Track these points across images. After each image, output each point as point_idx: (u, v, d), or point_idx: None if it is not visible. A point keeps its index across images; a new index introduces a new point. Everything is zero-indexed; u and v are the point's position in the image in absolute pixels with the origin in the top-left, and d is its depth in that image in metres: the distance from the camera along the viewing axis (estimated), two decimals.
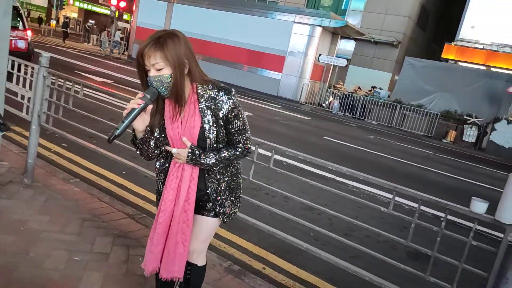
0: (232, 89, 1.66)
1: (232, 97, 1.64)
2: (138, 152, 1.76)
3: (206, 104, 1.63)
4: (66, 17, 33.28)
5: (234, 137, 1.68)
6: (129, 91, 10.35)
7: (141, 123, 1.60)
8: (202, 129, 1.64)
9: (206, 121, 1.64)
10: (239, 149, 1.71)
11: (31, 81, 3.43)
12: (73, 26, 38.99)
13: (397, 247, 3.63)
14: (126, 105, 1.55)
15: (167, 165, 1.79)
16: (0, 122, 1.14)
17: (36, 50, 9.60)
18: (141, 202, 3.83)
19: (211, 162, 1.65)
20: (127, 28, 30.20)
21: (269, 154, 2.39)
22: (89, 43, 29.58)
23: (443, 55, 19.52)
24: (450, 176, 8.21)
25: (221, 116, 1.63)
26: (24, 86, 3.55)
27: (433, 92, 15.80)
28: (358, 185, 5.27)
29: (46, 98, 3.30)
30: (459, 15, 20.97)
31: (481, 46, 18.69)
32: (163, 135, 1.71)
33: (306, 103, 17.12)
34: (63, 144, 4.90)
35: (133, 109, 1.51)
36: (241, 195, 1.90)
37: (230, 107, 1.63)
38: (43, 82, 3.23)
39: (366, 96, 16.56)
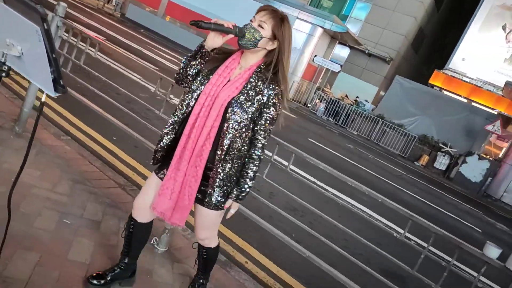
0: (282, 90, 1.72)
1: (278, 105, 1.72)
2: (182, 66, 1.78)
3: (256, 84, 1.70)
4: None
5: (262, 127, 1.72)
6: (122, 53, 10.03)
7: (215, 38, 1.68)
8: (238, 98, 1.68)
9: (246, 94, 1.69)
10: (262, 149, 1.76)
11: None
12: None
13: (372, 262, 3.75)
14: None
15: (185, 115, 1.77)
16: (60, 83, 1.08)
17: None
18: (131, 173, 3.75)
19: (251, 183, 1.77)
20: None
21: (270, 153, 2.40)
22: None
23: (431, 81, 20.06)
24: (420, 200, 8.52)
25: (260, 101, 1.69)
26: None
27: (416, 115, 16.24)
28: (335, 192, 5.38)
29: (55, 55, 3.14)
30: (453, 44, 21.58)
31: (468, 80, 19.35)
32: (201, 82, 1.74)
33: (293, 100, 17.19)
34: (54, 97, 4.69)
35: (222, 24, 1.64)
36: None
37: (272, 101, 1.70)
38: (56, 32, 3.06)
39: (352, 105, 16.81)
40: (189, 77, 1.78)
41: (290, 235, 3.30)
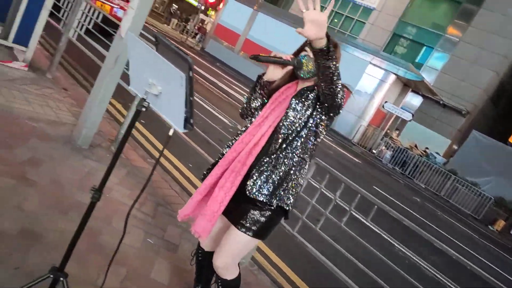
0: None
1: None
2: (245, 100, 1.87)
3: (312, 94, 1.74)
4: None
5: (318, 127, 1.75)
6: (201, 85, 10.67)
7: (274, 71, 1.75)
8: (293, 99, 1.73)
9: (301, 97, 1.73)
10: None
11: None
12: (157, 6, 40.84)
13: None
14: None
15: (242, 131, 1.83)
16: (190, 121, 1.21)
17: None
18: None
19: (334, 67, 1.53)
20: (205, 21, 31.28)
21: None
22: (169, 25, 30.84)
23: (511, 139, 18.64)
24: (493, 268, 7.76)
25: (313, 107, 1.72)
26: None
27: (492, 174, 15.09)
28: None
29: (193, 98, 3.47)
30: None
31: None
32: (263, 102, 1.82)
33: (358, 144, 16.87)
34: (141, 121, 5.10)
35: (281, 57, 1.70)
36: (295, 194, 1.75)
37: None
38: None
39: (421, 156, 16.07)
40: (253, 110, 1.85)
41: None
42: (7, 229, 2.02)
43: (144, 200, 3.02)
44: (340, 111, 1.68)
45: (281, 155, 1.68)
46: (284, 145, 1.68)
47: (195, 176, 4.34)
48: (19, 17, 4.07)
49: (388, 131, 18.22)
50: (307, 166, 1.78)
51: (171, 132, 1.34)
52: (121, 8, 9.79)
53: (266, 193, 1.66)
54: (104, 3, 9.57)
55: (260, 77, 1.81)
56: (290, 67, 1.74)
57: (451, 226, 10.17)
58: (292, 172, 1.70)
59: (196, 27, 25.60)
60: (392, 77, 16.95)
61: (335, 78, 1.53)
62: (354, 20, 26.91)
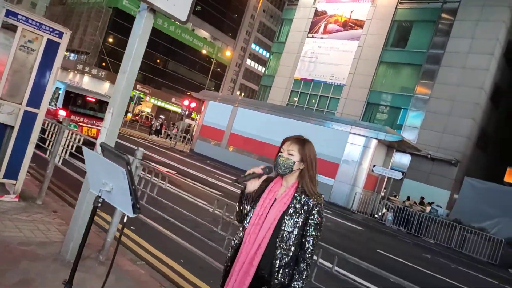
0: (322, 198, 2.03)
1: (322, 213, 2.01)
2: (237, 210, 2.16)
3: (301, 198, 2.02)
4: (158, 117, 37.36)
5: (308, 233, 1.97)
6: (189, 183, 11.04)
7: (253, 183, 2.07)
8: (288, 210, 1.99)
9: (293, 207, 2.00)
10: (311, 253, 1.97)
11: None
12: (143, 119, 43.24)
13: None
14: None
15: (241, 239, 2.07)
16: (137, 206, 1.49)
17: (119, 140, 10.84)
18: None
19: (301, 282, 1.93)
20: (193, 125, 33.00)
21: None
22: (158, 136, 32.37)
23: (506, 179, 18.81)
24: None
25: (306, 210, 1.99)
26: None
27: (496, 216, 14.91)
28: None
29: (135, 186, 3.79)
30: None
31: None
32: (252, 207, 2.09)
33: (358, 211, 16.83)
34: (131, 227, 5.31)
35: (254, 172, 2.05)
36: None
37: (316, 209, 1.99)
38: (135, 171, 3.75)
39: (422, 212, 15.98)
40: (245, 216, 2.14)
41: None
42: None
43: None
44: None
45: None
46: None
47: (187, 270, 4.43)
48: (7, 155, 4.51)
49: (384, 191, 18.34)
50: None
51: (125, 219, 1.61)
52: None
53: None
54: (90, 127, 10.36)
55: (242, 192, 2.13)
56: (265, 176, 2.11)
57: (468, 277, 9.81)
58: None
59: (181, 132, 26.92)
60: (374, 142, 17.62)
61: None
62: (329, 98, 28.73)
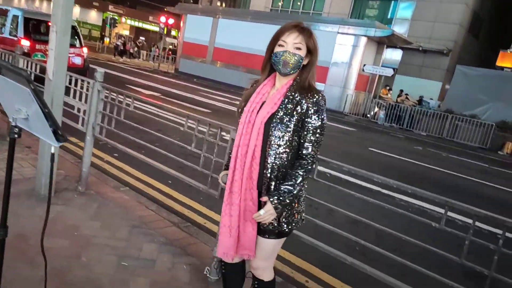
0: (321, 96, 1.70)
1: (321, 114, 1.69)
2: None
3: (293, 97, 1.71)
4: (120, 36, 35.13)
5: (306, 138, 1.68)
6: (175, 103, 10.72)
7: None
8: (277, 113, 1.69)
9: (284, 108, 1.70)
10: (309, 159, 1.69)
11: (86, 95, 3.66)
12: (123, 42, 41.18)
13: (452, 266, 3.41)
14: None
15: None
16: (59, 133, 1.21)
17: (91, 65, 10.24)
18: (186, 211, 3.91)
19: (296, 190, 1.66)
20: (175, 43, 31.45)
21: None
22: (139, 58, 31.05)
23: (498, 63, 18.44)
24: (509, 191, 7.66)
25: (299, 111, 1.68)
26: (80, 99, 3.78)
27: (488, 102, 14.93)
28: (407, 198, 5.05)
29: (100, 111, 3.49)
30: None
31: None
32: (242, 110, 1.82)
33: (350, 113, 16.80)
34: (114, 154, 5.14)
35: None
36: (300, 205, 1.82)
37: (312, 109, 1.68)
38: (97, 96, 3.42)
39: (415, 106, 15.95)
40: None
41: (354, 248, 3.16)
42: None
43: (117, 227, 3.04)
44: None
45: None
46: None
47: (175, 191, 4.35)
48: None
49: (379, 93, 18.12)
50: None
51: (52, 150, 1.35)
52: (77, 55, 9.87)
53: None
54: None
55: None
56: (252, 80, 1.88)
57: (460, 164, 10.07)
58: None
59: (165, 51, 25.71)
60: (363, 40, 16.88)
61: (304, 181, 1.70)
62: None
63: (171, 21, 25.35)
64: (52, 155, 1.37)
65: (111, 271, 2.47)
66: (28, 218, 2.91)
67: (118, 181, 4.14)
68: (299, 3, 27.61)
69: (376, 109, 16.61)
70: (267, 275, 1.92)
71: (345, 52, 17.04)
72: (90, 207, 3.29)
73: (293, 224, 1.80)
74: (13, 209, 2.97)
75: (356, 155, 8.71)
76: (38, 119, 1.27)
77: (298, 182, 1.66)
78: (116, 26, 35.19)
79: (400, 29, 22.20)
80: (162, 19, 25.12)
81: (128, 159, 4.93)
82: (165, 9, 32.68)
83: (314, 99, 1.68)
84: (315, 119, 1.67)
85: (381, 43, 18.25)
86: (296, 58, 1.69)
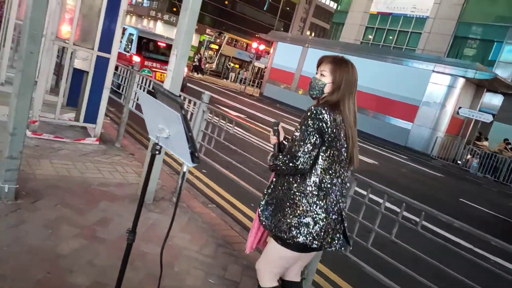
0: (314, 110, 1.74)
1: (308, 115, 1.76)
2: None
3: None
4: (198, 53, 37.15)
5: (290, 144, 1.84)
6: (259, 126, 11.01)
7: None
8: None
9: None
10: (286, 157, 1.77)
11: (191, 114, 3.93)
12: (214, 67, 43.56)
13: None
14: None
15: None
16: (195, 155, 1.32)
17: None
18: None
19: (270, 160, 1.87)
20: (262, 69, 32.58)
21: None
22: (228, 79, 32.68)
23: None
24: None
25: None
26: None
27: None
28: (501, 261, 4.52)
29: (202, 130, 3.72)
30: None
31: None
32: None
33: (438, 157, 15.72)
34: (203, 170, 5.40)
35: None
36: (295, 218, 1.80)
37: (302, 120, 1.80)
38: (202, 116, 3.66)
39: None
40: None
41: None
42: (80, 283, 2.26)
43: (204, 243, 3.16)
44: (301, 171, 1.76)
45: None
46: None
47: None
48: (85, 100, 4.69)
49: (473, 140, 16.76)
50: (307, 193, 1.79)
51: (185, 169, 1.47)
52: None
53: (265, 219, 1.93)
54: (163, 72, 10.57)
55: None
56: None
57: None
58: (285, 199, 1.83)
59: (251, 76, 26.75)
60: (461, 81, 15.88)
61: (277, 167, 1.82)
62: (409, 33, 26.11)
63: (262, 47, 26.41)
64: (184, 173, 1.48)
65: (198, 284, 2.56)
66: (129, 222, 3.16)
67: (206, 197, 4.33)
68: (391, 37, 27.01)
69: (469, 156, 15.33)
70: (262, 281, 1.98)
71: (439, 92, 16.14)
72: (181, 219, 3.48)
73: (292, 234, 1.76)
74: (118, 211, 3.27)
75: (445, 204, 8.08)
76: (179, 139, 1.39)
77: (276, 161, 1.82)
78: (211, 48, 37.54)
79: (503, 73, 20.48)
80: (254, 45, 26.27)
81: (214, 177, 5.16)
82: (257, 35, 34.21)
83: (313, 109, 1.76)
84: (302, 119, 1.79)
85: (480, 86, 17.01)
86: (317, 82, 1.87)
